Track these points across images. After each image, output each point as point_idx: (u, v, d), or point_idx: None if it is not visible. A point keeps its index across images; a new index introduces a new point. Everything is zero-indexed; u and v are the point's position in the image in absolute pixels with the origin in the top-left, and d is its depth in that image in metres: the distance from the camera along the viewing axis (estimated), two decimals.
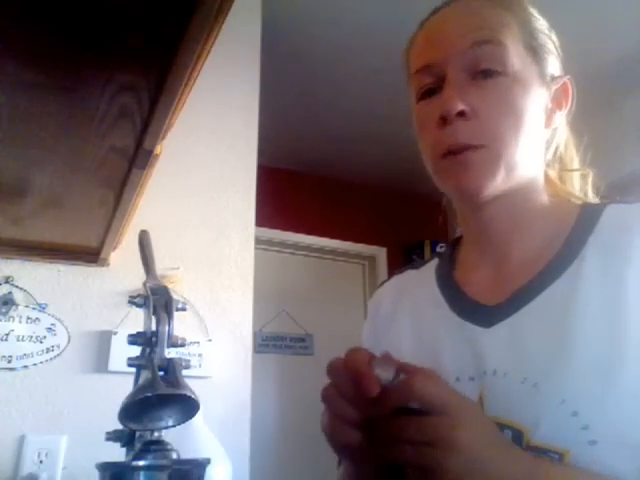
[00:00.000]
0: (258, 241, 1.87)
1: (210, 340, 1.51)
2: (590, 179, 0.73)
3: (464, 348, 0.63)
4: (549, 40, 0.68)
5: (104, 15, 0.57)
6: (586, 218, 0.64)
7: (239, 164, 1.76)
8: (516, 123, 0.62)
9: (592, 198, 0.73)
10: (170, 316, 0.77)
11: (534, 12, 0.69)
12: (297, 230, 3.47)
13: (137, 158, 0.85)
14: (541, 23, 0.68)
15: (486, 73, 0.62)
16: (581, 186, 0.74)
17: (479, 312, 0.65)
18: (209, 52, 0.61)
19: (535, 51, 0.66)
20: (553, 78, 0.68)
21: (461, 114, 0.61)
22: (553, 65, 0.68)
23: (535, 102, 0.65)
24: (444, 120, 0.63)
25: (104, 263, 1.43)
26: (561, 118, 0.70)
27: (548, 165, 0.72)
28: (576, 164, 0.74)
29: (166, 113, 0.72)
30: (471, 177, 0.62)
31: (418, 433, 0.46)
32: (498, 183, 0.62)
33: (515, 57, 0.63)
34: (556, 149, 0.72)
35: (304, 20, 2.37)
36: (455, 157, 0.62)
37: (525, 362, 0.58)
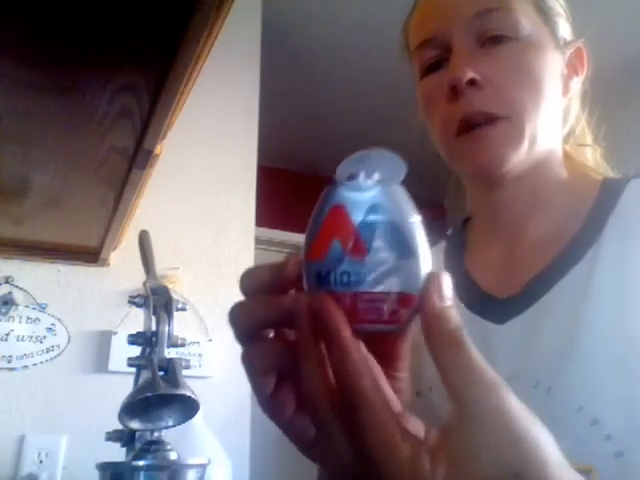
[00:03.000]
0: (258, 241, 1.87)
1: (210, 340, 1.51)
2: (599, 154, 0.68)
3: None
4: (557, 2, 0.63)
5: (104, 15, 0.57)
6: (607, 195, 0.58)
7: (239, 164, 1.76)
8: (535, 90, 0.57)
9: (611, 172, 0.67)
10: (170, 316, 0.77)
11: None
12: (297, 230, 3.47)
13: (137, 158, 0.85)
14: None
15: (496, 39, 0.57)
16: (596, 162, 0.68)
17: (491, 306, 0.57)
18: (209, 52, 0.61)
19: (545, 13, 0.60)
20: (566, 42, 0.62)
21: (472, 83, 0.55)
22: (564, 28, 0.63)
23: (552, 67, 0.59)
24: (454, 91, 0.56)
25: (104, 263, 1.43)
26: (577, 85, 0.64)
27: (563, 140, 0.66)
28: (589, 139, 0.68)
29: (166, 113, 0.72)
30: (492, 152, 0.56)
31: None
32: (521, 157, 0.57)
33: (525, 19, 0.57)
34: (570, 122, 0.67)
35: (304, 20, 2.37)
36: (472, 133, 0.56)
37: (538, 363, 0.51)
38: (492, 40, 0.57)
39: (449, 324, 0.30)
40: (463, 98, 0.56)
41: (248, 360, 0.34)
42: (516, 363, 0.52)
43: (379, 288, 0.31)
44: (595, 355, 0.48)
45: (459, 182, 0.69)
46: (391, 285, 0.31)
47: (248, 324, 0.34)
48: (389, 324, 0.31)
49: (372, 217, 0.32)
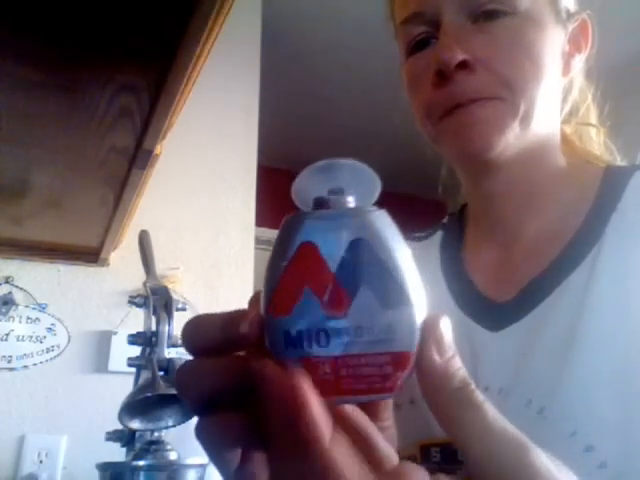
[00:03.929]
0: (258, 241, 1.87)
1: None
2: (603, 134, 0.62)
3: (465, 355, 0.50)
4: None
5: (104, 15, 0.57)
6: (610, 188, 0.52)
7: (239, 164, 1.76)
8: (535, 70, 0.51)
9: (616, 155, 0.62)
10: (170, 316, 0.77)
11: None
12: None
13: (137, 158, 0.85)
14: None
15: (490, 14, 0.50)
16: (599, 143, 0.62)
17: (486, 310, 0.53)
18: (209, 52, 0.61)
19: None
20: (569, 14, 0.55)
21: (463, 66, 0.49)
22: None
23: (552, 44, 0.53)
24: (442, 75, 0.50)
25: (104, 263, 1.43)
26: (579, 63, 0.58)
27: (564, 120, 0.60)
28: (593, 118, 0.62)
29: (166, 113, 0.72)
30: (479, 133, 0.50)
31: None
32: (510, 140, 0.51)
33: None
34: (572, 101, 0.61)
35: (304, 20, 2.37)
36: (460, 112, 0.50)
37: (531, 378, 0.47)
38: (486, 15, 0.50)
39: (453, 382, 0.25)
40: (453, 84, 0.50)
41: (204, 435, 0.26)
42: (508, 376, 0.48)
43: (367, 348, 0.24)
44: (592, 372, 0.44)
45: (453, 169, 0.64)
46: (382, 343, 0.24)
47: (199, 393, 0.27)
48: (381, 392, 0.25)
49: (354, 256, 0.25)
